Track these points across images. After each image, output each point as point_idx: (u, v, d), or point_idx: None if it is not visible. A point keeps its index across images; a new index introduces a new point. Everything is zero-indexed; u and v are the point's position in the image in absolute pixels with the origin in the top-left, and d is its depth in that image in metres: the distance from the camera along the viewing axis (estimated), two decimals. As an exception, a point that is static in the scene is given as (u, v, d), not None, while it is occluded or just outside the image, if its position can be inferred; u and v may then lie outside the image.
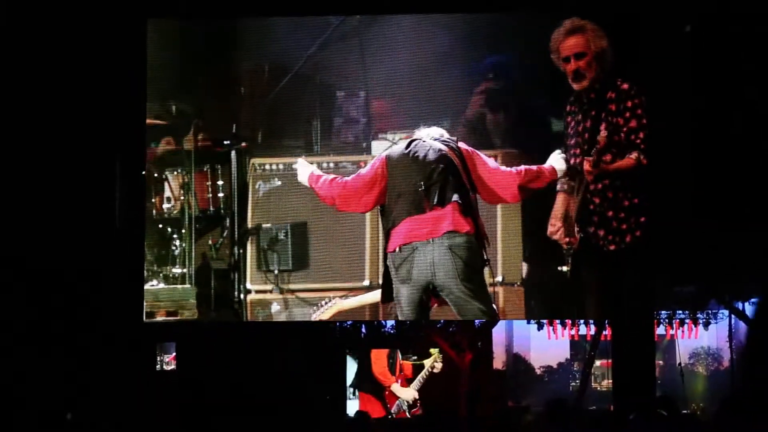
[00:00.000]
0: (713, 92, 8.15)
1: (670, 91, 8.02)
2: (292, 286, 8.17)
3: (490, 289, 7.90)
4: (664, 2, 8.09)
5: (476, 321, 10.41)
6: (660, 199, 7.87)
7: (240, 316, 8.18)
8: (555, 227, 7.72)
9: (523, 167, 6.95)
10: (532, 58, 7.97)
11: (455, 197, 6.62)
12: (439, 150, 6.68)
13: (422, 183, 6.61)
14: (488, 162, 6.87)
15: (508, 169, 6.92)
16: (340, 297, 8.03)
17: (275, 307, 8.19)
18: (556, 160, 7.11)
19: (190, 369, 9.69)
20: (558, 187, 7.76)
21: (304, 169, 7.15)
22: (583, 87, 7.62)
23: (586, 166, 7.40)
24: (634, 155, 7.53)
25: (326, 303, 7.84)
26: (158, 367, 10.09)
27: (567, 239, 7.67)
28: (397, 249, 6.63)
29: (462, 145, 6.85)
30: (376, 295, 7.71)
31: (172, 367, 10.18)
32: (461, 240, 6.59)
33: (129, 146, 8.41)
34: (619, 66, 7.72)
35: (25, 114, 8.22)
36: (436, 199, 6.59)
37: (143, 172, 8.36)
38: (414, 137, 6.84)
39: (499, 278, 7.96)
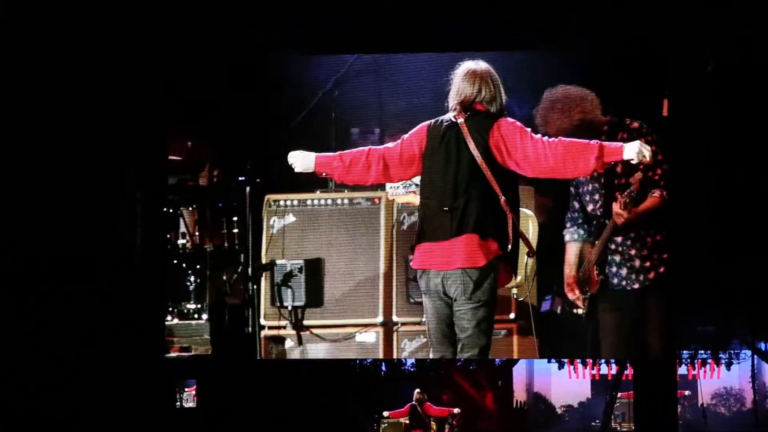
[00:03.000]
0: (737, 127, 8.14)
1: (693, 123, 8.03)
2: (306, 322, 8.18)
3: (506, 326, 7.99)
4: (683, 37, 8.08)
5: (497, 360, 10.35)
6: (681, 238, 7.81)
7: (254, 353, 8.18)
8: (574, 292, 7.59)
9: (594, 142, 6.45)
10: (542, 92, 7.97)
11: (475, 225, 6.37)
12: (469, 156, 6.41)
13: (447, 207, 6.39)
14: (530, 140, 6.43)
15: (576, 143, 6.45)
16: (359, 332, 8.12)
17: (289, 343, 8.20)
18: (633, 145, 6.41)
19: (211, 406, 9.66)
20: (567, 237, 7.66)
21: (303, 157, 6.63)
22: None
23: (616, 208, 7.31)
24: (657, 193, 7.43)
25: (404, 188, 7.62)
26: (178, 404, 10.06)
27: (586, 288, 7.59)
28: (418, 269, 6.52)
29: (498, 130, 6.43)
30: None
31: (192, 404, 10.15)
32: (474, 269, 6.45)
33: (149, 182, 8.44)
34: (637, 101, 7.70)
35: (45, 149, 8.25)
36: (455, 228, 6.37)
37: (164, 209, 8.41)
38: (451, 120, 6.49)
39: (512, 316, 7.93)
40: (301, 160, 6.59)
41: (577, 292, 7.56)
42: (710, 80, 8.15)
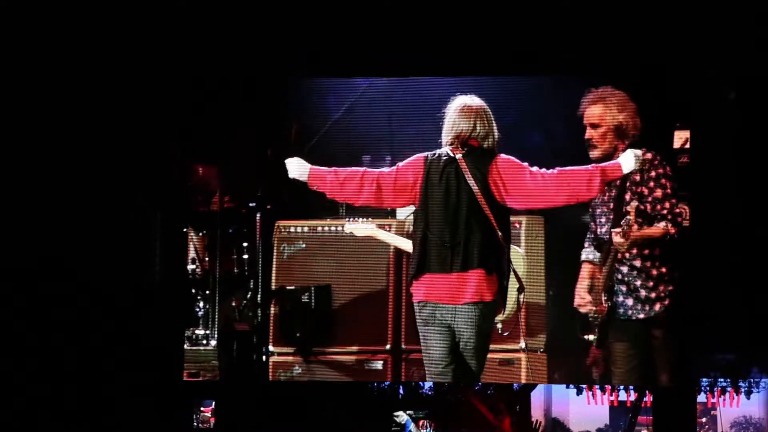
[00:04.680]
0: (758, 156, 8.10)
1: (714, 153, 8.00)
2: (315, 349, 8.17)
3: (515, 355, 7.97)
4: (703, 64, 8.04)
5: (515, 384, 10.30)
6: (701, 266, 7.78)
7: (262, 379, 8.19)
8: (583, 300, 7.65)
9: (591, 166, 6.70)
10: (558, 120, 7.99)
11: (479, 260, 6.53)
12: (469, 192, 6.55)
13: (448, 241, 6.54)
14: (529, 175, 6.60)
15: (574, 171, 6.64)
16: (368, 361, 8.11)
17: (297, 370, 8.20)
18: (627, 157, 6.65)
19: (229, 428, 9.67)
20: (583, 257, 7.70)
21: (298, 165, 6.83)
22: (596, 157, 7.52)
23: (616, 238, 7.33)
24: (661, 224, 7.46)
25: (363, 221, 7.76)
26: (195, 425, 10.08)
27: (595, 308, 7.60)
28: (421, 301, 6.62)
29: (496, 166, 6.60)
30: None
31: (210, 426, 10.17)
32: (483, 303, 6.59)
33: (169, 206, 8.49)
34: (654, 131, 7.70)
35: (66, 175, 8.32)
36: (460, 263, 6.52)
37: (184, 229, 8.45)
38: (449, 155, 6.62)
39: (522, 345, 7.91)
40: (297, 167, 6.77)
41: (589, 307, 7.56)
42: (732, 108, 8.13)
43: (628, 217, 7.26)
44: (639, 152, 6.64)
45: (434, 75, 8.17)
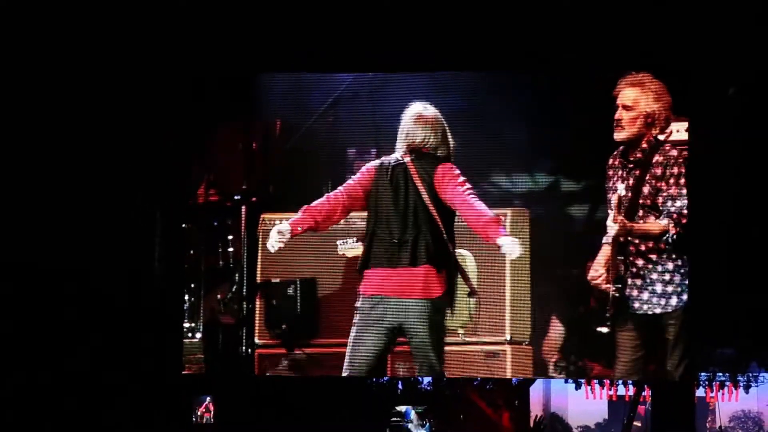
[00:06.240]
0: (759, 152, 8.07)
1: (715, 149, 7.98)
2: (300, 342, 8.18)
3: (500, 347, 7.97)
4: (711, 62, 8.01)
5: (513, 379, 10.28)
6: (701, 263, 7.74)
7: (247, 371, 8.21)
8: (597, 273, 7.57)
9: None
10: (537, 114, 8.07)
11: (428, 257, 6.76)
12: (416, 192, 6.80)
13: (397, 239, 6.79)
14: (461, 193, 6.82)
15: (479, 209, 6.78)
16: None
17: (282, 363, 8.22)
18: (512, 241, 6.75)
19: (228, 423, 9.69)
20: (603, 240, 7.60)
21: (282, 227, 7.08)
22: (620, 139, 7.51)
23: (609, 219, 7.33)
24: (664, 222, 7.40)
25: (353, 241, 7.74)
26: (194, 420, 10.11)
27: (606, 287, 7.53)
28: (372, 295, 6.80)
29: (440, 170, 6.85)
30: None
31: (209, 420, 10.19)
32: (433, 299, 6.79)
33: (169, 199, 8.51)
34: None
35: (66, 174, 8.37)
36: (408, 259, 6.77)
37: (183, 225, 8.48)
38: (399, 159, 6.90)
39: (507, 337, 7.91)
40: (281, 229, 7.03)
41: (602, 281, 7.54)
42: (732, 103, 8.11)
43: (614, 201, 7.27)
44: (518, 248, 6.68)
45: (419, 71, 8.20)
